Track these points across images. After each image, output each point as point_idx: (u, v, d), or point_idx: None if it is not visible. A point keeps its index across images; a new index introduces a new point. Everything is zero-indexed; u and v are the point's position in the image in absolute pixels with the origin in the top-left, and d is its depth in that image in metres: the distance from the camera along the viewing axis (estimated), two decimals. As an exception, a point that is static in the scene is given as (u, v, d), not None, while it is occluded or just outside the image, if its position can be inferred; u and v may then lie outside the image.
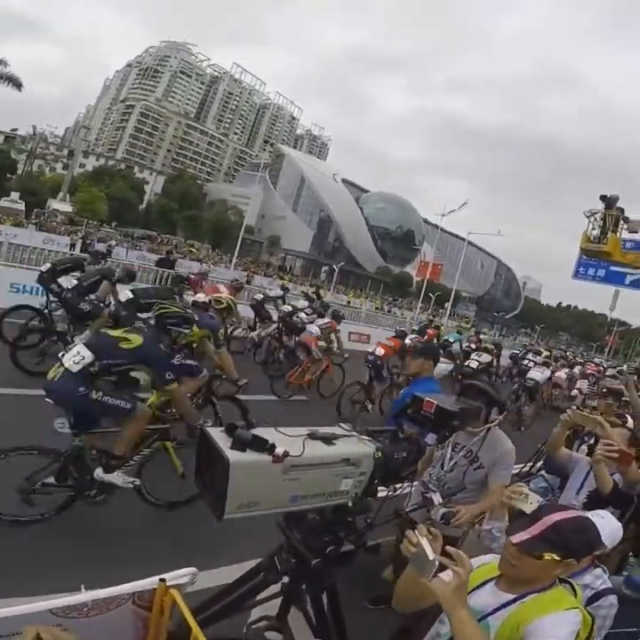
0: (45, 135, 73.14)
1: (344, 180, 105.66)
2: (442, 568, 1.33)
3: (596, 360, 28.16)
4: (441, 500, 2.39)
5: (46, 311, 6.93)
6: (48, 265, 7.09)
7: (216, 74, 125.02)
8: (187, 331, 3.99)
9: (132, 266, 10.36)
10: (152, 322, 4.08)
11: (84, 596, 1.33)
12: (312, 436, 1.73)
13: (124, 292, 6.52)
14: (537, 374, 10.46)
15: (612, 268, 16.89)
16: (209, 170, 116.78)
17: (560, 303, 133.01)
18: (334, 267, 54.63)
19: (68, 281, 6.64)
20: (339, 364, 8.63)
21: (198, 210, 76.08)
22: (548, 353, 17.71)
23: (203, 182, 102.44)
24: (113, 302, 6.93)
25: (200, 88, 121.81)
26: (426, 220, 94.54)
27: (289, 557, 1.84)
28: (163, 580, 1.43)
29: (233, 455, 1.51)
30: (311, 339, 8.29)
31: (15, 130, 68.30)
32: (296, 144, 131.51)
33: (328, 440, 1.75)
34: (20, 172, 58.51)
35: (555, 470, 3.71)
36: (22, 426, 3.86)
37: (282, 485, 1.61)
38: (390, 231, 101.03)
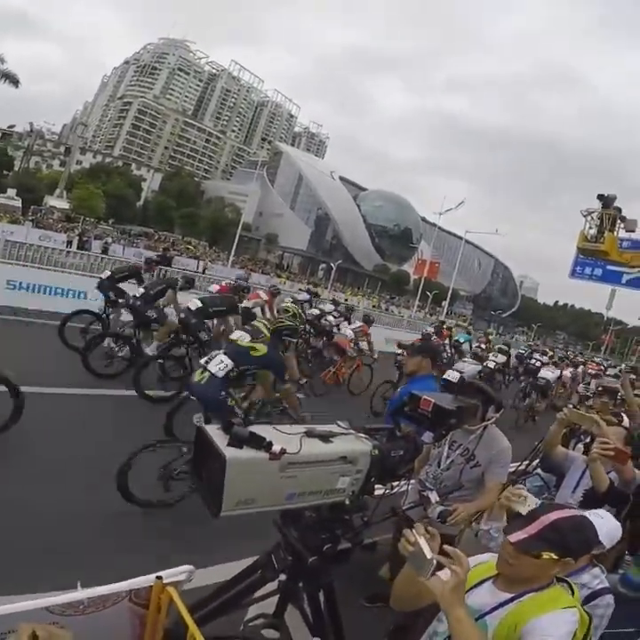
0: (42, 132, 72.84)
1: (342, 178, 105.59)
2: (440, 567, 1.33)
3: (596, 359, 28.41)
4: (438, 499, 2.40)
5: (104, 316, 7.65)
6: (108, 273, 7.80)
7: (214, 71, 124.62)
8: (295, 339, 4.85)
9: (192, 274, 10.64)
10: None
11: (81, 593, 1.32)
12: (309, 434, 1.73)
13: (194, 301, 6.88)
14: (548, 374, 11.05)
15: (609, 268, 16.94)
16: (206, 167, 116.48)
17: (557, 302, 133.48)
18: (332, 264, 54.65)
19: (135, 289, 7.28)
20: (368, 365, 9.38)
21: (195, 207, 75.91)
22: (551, 353, 18.19)
23: (200, 180, 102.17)
24: (173, 309, 7.40)
25: (198, 85, 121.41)
26: (423, 219, 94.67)
27: (286, 555, 1.84)
28: (159, 578, 1.43)
29: (229, 452, 1.51)
30: (346, 341, 9.11)
31: (12, 126, 67.98)
32: (294, 142, 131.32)
33: (325, 438, 1.75)
34: (16, 168, 58.33)
35: (551, 469, 3.72)
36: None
37: (279, 483, 1.61)
38: (388, 229, 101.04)
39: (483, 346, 13.76)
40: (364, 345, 9.59)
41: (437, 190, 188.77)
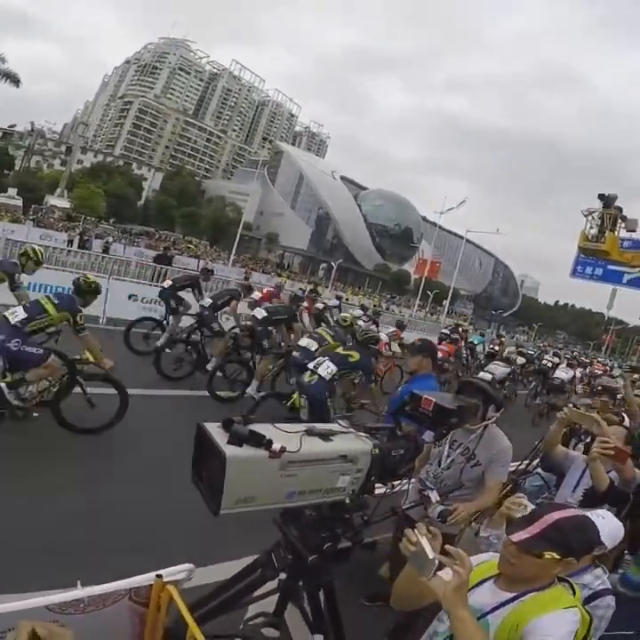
0: (43, 131, 72.84)
1: (342, 178, 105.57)
2: (441, 566, 1.33)
3: (599, 359, 28.66)
4: (438, 498, 2.39)
5: (165, 322, 8.31)
6: (169, 282, 8.46)
7: (215, 71, 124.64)
8: (375, 347, 5.97)
9: (247, 283, 11.38)
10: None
11: (80, 591, 1.32)
12: (309, 433, 1.73)
13: (259, 310, 7.51)
14: (563, 374, 11.75)
15: (610, 267, 16.94)
16: (207, 166, 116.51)
17: (557, 302, 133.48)
18: (332, 264, 54.60)
19: (204, 299, 8.00)
20: (399, 366, 10.02)
21: (196, 206, 75.93)
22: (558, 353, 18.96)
23: (201, 179, 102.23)
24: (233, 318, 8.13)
25: (199, 85, 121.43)
26: (424, 218, 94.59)
27: (286, 554, 1.83)
28: (159, 577, 1.43)
29: (229, 450, 1.51)
30: (382, 343, 9.62)
31: (13, 126, 68.04)
32: (294, 141, 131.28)
33: (325, 436, 1.74)
34: (17, 168, 58.33)
35: (551, 468, 3.71)
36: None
37: (278, 481, 1.61)
38: (388, 229, 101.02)
39: (496, 348, 14.39)
40: (396, 347, 10.53)
41: (438, 190, 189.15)
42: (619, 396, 6.49)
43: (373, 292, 71.03)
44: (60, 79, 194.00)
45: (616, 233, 14.98)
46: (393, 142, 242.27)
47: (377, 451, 1.78)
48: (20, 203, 38.00)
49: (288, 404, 5.63)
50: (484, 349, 14.38)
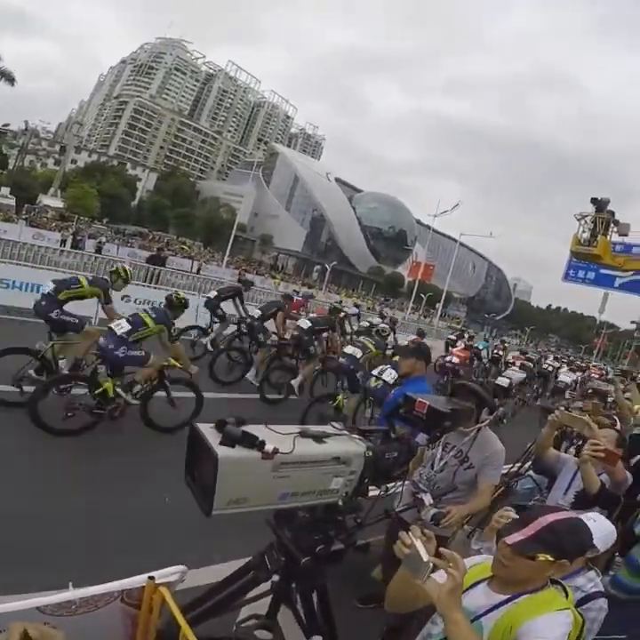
0: (37, 131, 72.43)
1: (337, 180, 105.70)
2: (435, 569, 1.33)
3: (594, 364, 29.29)
4: (431, 501, 2.40)
5: (210, 330, 8.93)
6: (214, 292, 9.06)
7: (211, 71, 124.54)
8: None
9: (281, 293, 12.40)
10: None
11: (72, 593, 1.31)
12: (303, 434, 1.72)
13: (304, 321, 8.12)
14: (566, 378, 12.66)
15: (602, 271, 17.06)
16: (202, 167, 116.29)
17: (550, 305, 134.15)
18: (327, 266, 54.63)
19: (252, 310, 8.72)
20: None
21: (191, 207, 75.72)
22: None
23: (195, 180, 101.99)
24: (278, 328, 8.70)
25: (194, 85, 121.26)
26: (418, 221, 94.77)
27: (279, 556, 1.83)
28: (152, 578, 1.43)
29: (222, 451, 1.50)
30: None
31: (7, 125, 67.38)
32: (290, 143, 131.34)
33: (319, 438, 1.74)
34: (10, 167, 57.91)
35: (543, 470, 3.74)
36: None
37: (271, 482, 1.60)
38: (383, 231, 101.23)
39: (500, 352, 15.27)
40: None
41: (432, 192, 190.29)
42: (610, 399, 6.55)
43: (367, 295, 71.13)
44: (56, 78, 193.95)
45: (608, 237, 15.09)
46: (388, 144, 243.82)
47: (370, 453, 1.78)
48: (12, 202, 37.74)
49: (334, 404, 6.50)
50: (488, 354, 15.01)
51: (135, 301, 10.68)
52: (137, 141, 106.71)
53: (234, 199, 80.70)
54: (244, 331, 8.51)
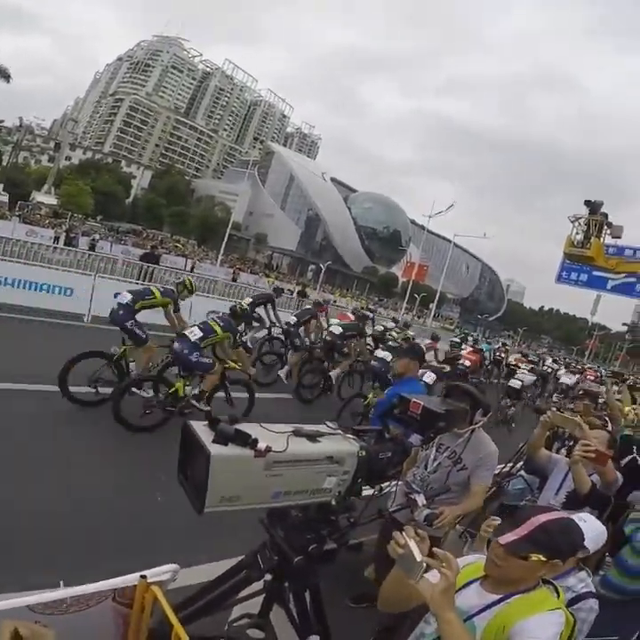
0: (32, 127, 72.00)
1: (333, 180, 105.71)
2: (428, 569, 1.33)
3: (589, 366, 30.07)
4: (425, 502, 2.40)
5: (245, 334, 8.94)
6: (249, 299, 9.39)
7: (208, 69, 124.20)
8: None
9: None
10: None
11: (63, 592, 1.31)
12: (297, 433, 1.72)
13: (336, 327, 8.97)
14: (567, 379, 13.45)
15: (595, 273, 17.15)
16: (197, 166, 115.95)
17: (542, 307, 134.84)
18: (321, 265, 54.65)
19: (287, 317, 9.44)
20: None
21: (185, 205, 75.52)
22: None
23: (191, 178, 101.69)
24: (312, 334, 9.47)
25: (191, 83, 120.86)
26: (413, 221, 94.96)
27: (272, 555, 1.83)
28: (144, 577, 1.42)
29: (214, 449, 1.50)
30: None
31: (1, 121, 67.04)
32: (286, 142, 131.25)
33: (312, 437, 1.74)
34: (4, 163, 57.48)
35: (534, 471, 3.75)
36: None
37: (264, 481, 1.60)
38: (377, 231, 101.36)
39: (502, 355, 16.10)
40: (429, 356, 11.55)
41: (426, 192, 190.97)
42: (601, 400, 6.60)
43: (361, 294, 71.20)
44: (52, 75, 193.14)
45: (601, 239, 15.16)
46: (384, 144, 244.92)
47: (364, 453, 1.78)
48: (5, 198, 37.40)
49: (365, 402, 7.00)
50: (491, 357, 15.61)
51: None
52: (132, 139, 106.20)
53: (229, 198, 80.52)
54: (275, 335, 9.47)
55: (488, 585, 1.47)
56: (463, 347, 14.44)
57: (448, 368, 11.05)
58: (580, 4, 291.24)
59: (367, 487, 1.89)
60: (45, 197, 46.34)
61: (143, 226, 57.74)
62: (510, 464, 4.40)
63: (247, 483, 1.59)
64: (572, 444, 3.74)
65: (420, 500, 2.36)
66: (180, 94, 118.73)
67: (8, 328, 7.81)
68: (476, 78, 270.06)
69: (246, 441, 1.55)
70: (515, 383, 10.17)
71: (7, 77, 37.57)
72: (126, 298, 5.83)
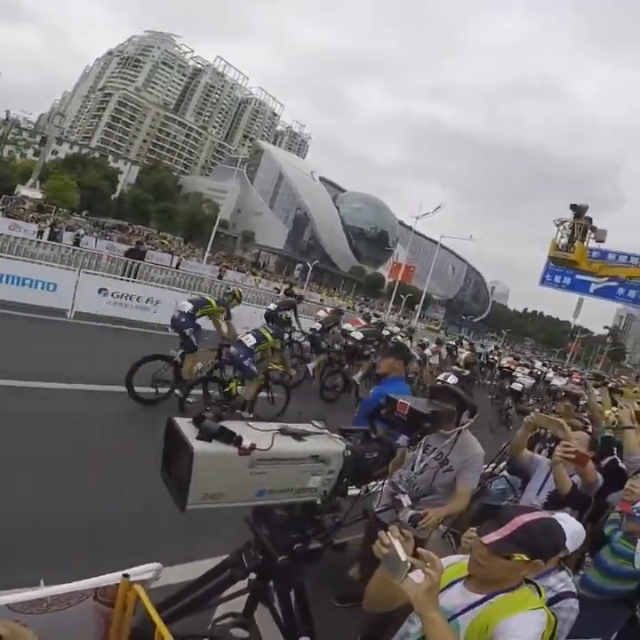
0: (18, 121, 70.78)
1: (322, 179, 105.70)
2: (413, 568, 1.34)
3: (575, 369, 31.13)
4: (410, 502, 2.41)
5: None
6: (274, 305, 9.97)
7: (199, 66, 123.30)
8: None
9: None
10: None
11: (43, 591, 1.29)
12: (282, 432, 1.72)
13: (357, 333, 9.94)
14: (557, 382, 14.04)
15: (578, 277, 17.34)
16: (185, 162, 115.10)
17: (526, 309, 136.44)
18: (308, 264, 54.61)
19: (312, 323, 10.32)
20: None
21: (172, 202, 74.87)
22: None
23: (178, 174, 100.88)
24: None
25: (181, 80, 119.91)
26: (400, 222, 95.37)
27: (256, 554, 1.82)
28: (126, 576, 1.41)
29: (198, 445, 1.49)
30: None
31: (-14, 115, 65.72)
32: (276, 140, 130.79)
33: (298, 436, 1.74)
34: (-11, 156, 56.47)
35: (517, 471, 3.79)
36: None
37: (248, 479, 1.59)
38: (365, 232, 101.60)
39: (495, 357, 16.92)
40: (435, 360, 12.62)
41: (414, 193, 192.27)
42: (582, 402, 6.68)
43: (348, 294, 71.30)
44: (41, 69, 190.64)
45: (585, 243, 15.34)
46: (373, 145, 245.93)
47: (349, 452, 1.78)
48: (-11, 192, 36.79)
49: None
50: (485, 359, 16.59)
51: (112, 294, 10.53)
52: (120, 134, 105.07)
53: (217, 195, 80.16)
54: (295, 339, 10.30)
55: (472, 585, 1.49)
56: (460, 350, 15.39)
57: (468, 372, 11.87)
58: (567, 11, 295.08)
59: (353, 487, 1.89)
60: (30, 191, 45.61)
61: (129, 221, 57.15)
62: (493, 464, 4.45)
63: (231, 480, 1.58)
64: (553, 445, 3.78)
65: (405, 500, 2.37)
66: (169, 90, 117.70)
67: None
68: (465, 82, 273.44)
69: (230, 438, 1.54)
70: (516, 386, 11.24)
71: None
72: (187, 307, 6.38)
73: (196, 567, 2.50)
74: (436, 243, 47.35)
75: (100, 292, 10.39)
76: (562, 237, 15.45)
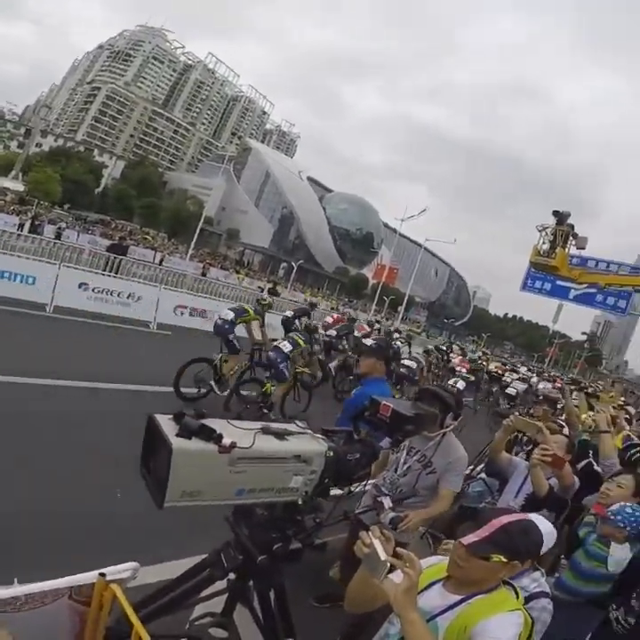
0: (3, 112, 69.44)
1: (309, 179, 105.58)
2: (393, 569, 1.35)
3: (557, 374, 32.26)
4: (391, 505, 2.41)
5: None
6: (291, 312, 10.93)
7: (190, 62, 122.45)
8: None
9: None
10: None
11: (17, 589, 1.27)
12: (265, 431, 1.71)
13: (370, 340, 9.59)
14: (542, 386, 14.62)
15: (558, 283, 17.54)
16: (172, 158, 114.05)
17: (506, 314, 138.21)
18: (293, 264, 54.53)
19: (329, 328, 11.26)
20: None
21: (157, 198, 74.12)
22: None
23: (164, 170, 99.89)
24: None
25: (171, 75, 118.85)
26: (385, 224, 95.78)
27: (236, 554, 1.81)
28: (102, 575, 1.39)
29: (177, 442, 1.48)
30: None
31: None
32: (264, 139, 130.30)
33: (280, 436, 1.73)
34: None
35: (495, 473, 3.83)
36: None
37: (228, 477, 1.58)
38: (350, 232, 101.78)
39: (484, 362, 17.91)
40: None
41: (399, 194, 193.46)
42: (559, 406, 6.78)
43: (331, 295, 71.38)
44: (29, 61, 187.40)
45: (566, 249, 15.53)
46: (360, 146, 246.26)
47: (331, 453, 1.78)
48: (-31, 183, 35.96)
49: None
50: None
51: (93, 290, 10.38)
52: (106, 128, 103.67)
53: (202, 192, 79.58)
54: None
55: (450, 586, 1.49)
56: (452, 355, 16.15)
57: (473, 377, 12.61)
58: (559, 19, 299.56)
59: (336, 488, 1.89)
60: (12, 183, 44.71)
61: (112, 216, 56.38)
62: (471, 467, 4.48)
63: (210, 478, 1.57)
64: (531, 448, 3.83)
65: (387, 502, 2.37)
66: (159, 86, 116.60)
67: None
68: (453, 87, 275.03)
69: (210, 436, 1.53)
70: (511, 391, 12.83)
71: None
72: (230, 315, 7.03)
73: (174, 567, 2.48)
74: (419, 245, 47.68)
75: (80, 286, 10.23)
76: (544, 243, 15.60)
